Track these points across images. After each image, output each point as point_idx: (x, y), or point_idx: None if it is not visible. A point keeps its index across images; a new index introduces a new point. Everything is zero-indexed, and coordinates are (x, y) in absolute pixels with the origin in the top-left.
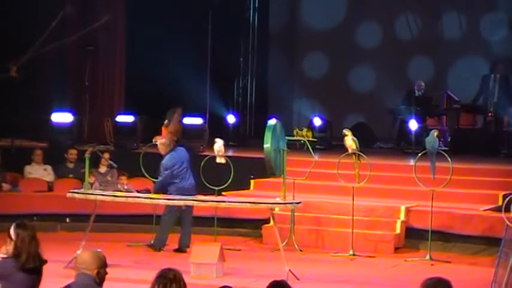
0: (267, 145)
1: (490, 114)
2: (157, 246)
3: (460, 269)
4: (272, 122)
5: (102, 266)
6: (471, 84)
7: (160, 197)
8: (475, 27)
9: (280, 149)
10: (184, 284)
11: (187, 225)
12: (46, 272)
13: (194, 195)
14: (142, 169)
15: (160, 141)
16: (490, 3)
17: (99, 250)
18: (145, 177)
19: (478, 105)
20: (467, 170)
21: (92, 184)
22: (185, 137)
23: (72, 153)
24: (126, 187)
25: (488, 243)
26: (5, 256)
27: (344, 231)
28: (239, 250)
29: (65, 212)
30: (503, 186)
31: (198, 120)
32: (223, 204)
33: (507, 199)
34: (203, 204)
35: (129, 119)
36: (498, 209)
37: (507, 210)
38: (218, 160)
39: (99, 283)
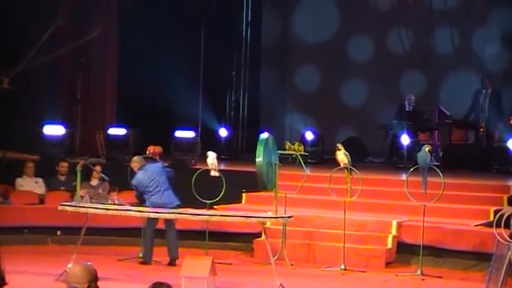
0: (259, 159)
1: (481, 129)
2: (147, 260)
3: (451, 284)
4: (264, 135)
5: (93, 280)
6: (463, 99)
7: (151, 211)
8: (468, 42)
9: (272, 163)
10: None
11: (171, 238)
12: (36, 285)
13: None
14: (130, 182)
15: (133, 159)
16: (483, 19)
17: (89, 263)
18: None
19: (469, 121)
20: (459, 185)
21: (83, 197)
22: (177, 150)
23: (63, 166)
24: (117, 202)
25: (479, 258)
26: None
27: (335, 246)
28: (230, 264)
29: (56, 224)
30: (494, 202)
31: (190, 134)
32: (214, 218)
33: (498, 214)
34: (194, 218)
35: (121, 131)
36: (489, 225)
37: (498, 225)
38: (213, 173)
39: None
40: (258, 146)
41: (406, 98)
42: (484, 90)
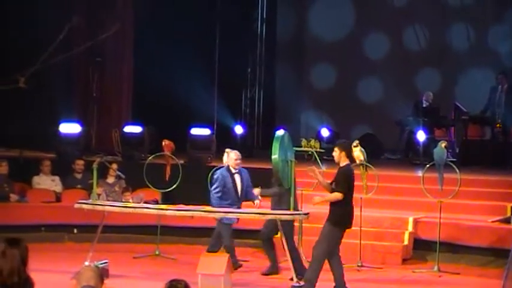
0: (274, 156)
1: (497, 125)
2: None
3: (468, 280)
4: (280, 132)
5: (103, 280)
6: (479, 95)
7: (168, 208)
8: (483, 39)
9: (288, 160)
10: None
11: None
12: (54, 282)
13: None
14: (146, 180)
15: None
16: (498, 15)
17: (106, 261)
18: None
19: (486, 117)
20: (475, 181)
21: (99, 195)
22: (193, 147)
23: (79, 164)
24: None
25: (496, 254)
26: None
27: (352, 242)
28: (247, 261)
29: (72, 222)
30: (511, 198)
31: (205, 131)
32: (231, 215)
33: None
34: (211, 215)
35: (136, 129)
36: (506, 221)
37: None
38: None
39: None
40: (273, 143)
41: (424, 94)
42: (500, 86)
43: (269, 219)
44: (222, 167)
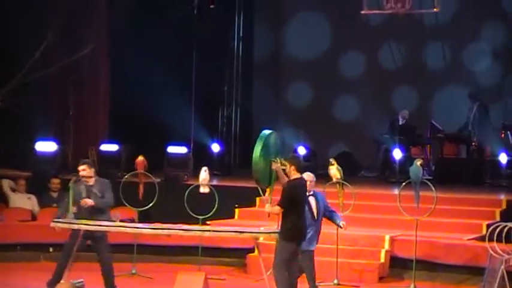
0: (255, 154)
1: (473, 143)
2: None
3: None
4: (266, 131)
5: None
6: (455, 113)
7: (145, 227)
8: (459, 57)
9: (271, 159)
10: None
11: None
12: None
13: None
14: (122, 198)
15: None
16: (474, 34)
17: (81, 280)
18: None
19: (461, 135)
20: (451, 200)
21: (75, 213)
22: (169, 165)
23: (55, 183)
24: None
25: (472, 272)
26: None
27: (328, 260)
28: (224, 279)
29: (48, 241)
30: (487, 216)
31: (182, 149)
32: (207, 234)
33: (491, 228)
34: (187, 233)
35: (113, 147)
36: (482, 239)
37: (491, 239)
38: (202, 190)
39: None
40: (257, 141)
41: (400, 112)
42: (474, 105)
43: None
44: None
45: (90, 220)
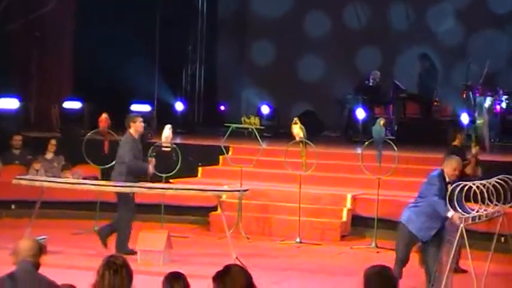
0: None
1: (435, 103)
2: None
3: None
4: None
5: (43, 253)
6: (417, 73)
7: (107, 184)
8: (422, 18)
9: None
10: (131, 271)
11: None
12: None
13: None
14: (85, 156)
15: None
16: None
17: (44, 237)
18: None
19: (423, 95)
20: (412, 159)
21: (37, 170)
22: None
23: (16, 140)
24: (75, 176)
25: None
26: None
27: (291, 219)
28: (187, 237)
29: (10, 198)
30: None
31: (146, 108)
32: (170, 191)
33: (451, 187)
34: (150, 191)
35: (76, 105)
36: None
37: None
38: (163, 148)
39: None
40: None
41: (372, 73)
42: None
43: None
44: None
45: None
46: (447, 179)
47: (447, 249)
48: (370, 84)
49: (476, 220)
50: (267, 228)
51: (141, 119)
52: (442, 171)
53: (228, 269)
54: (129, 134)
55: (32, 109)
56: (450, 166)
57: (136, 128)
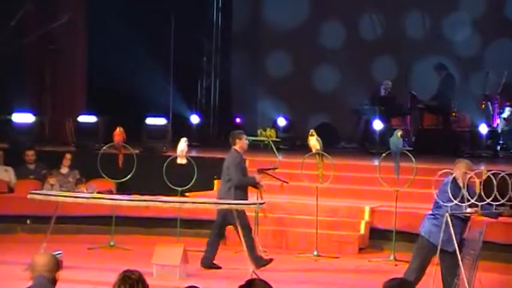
0: None
1: (453, 114)
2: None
3: None
4: None
5: (59, 268)
6: (434, 84)
7: (123, 198)
8: (439, 27)
9: None
10: (147, 286)
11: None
12: (6, 274)
13: None
14: (100, 170)
15: None
16: (453, 4)
17: (59, 252)
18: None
19: (441, 105)
20: (431, 170)
21: (52, 185)
22: (148, 137)
23: (29, 155)
24: (86, 190)
25: None
26: None
27: (308, 232)
28: (203, 252)
29: (25, 213)
30: None
31: (161, 121)
32: (186, 205)
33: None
34: (166, 205)
35: (91, 119)
36: None
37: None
38: (179, 161)
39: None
40: None
41: (383, 83)
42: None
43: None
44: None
45: None
46: (460, 183)
47: (467, 262)
48: (382, 94)
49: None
50: (284, 242)
51: (245, 137)
52: (454, 177)
53: (251, 283)
54: (234, 151)
55: (46, 123)
56: (459, 169)
57: (241, 145)
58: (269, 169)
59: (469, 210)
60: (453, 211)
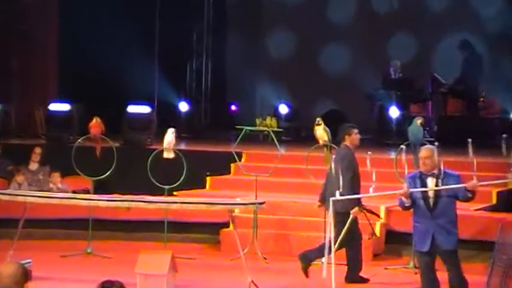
0: None
1: (481, 99)
2: None
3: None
4: None
5: (28, 279)
6: (459, 65)
7: (101, 198)
8: None
9: None
10: None
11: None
12: None
13: None
14: (74, 165)
15: None
16: None
17: (28, 261)
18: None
19: (467, 89)
20: (456, 164)
21: (20, 184)
22: (130, 128)
23: None
24: (60, 186)
25: (480, 247)
26: None
27: (314, 236)
28: (194, 259)
29: None
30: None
31: (144, 109)
32: (174, 206)
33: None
34: (151, 205)
35: (64, 107)
36: (492, 209)
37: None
38: (165, 155)
39: None
40: None
41: (391, 64)
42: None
43: None
44: None
45: None
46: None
47: (497, 268)
48: (392, 76)
49: None
50: (286, 247)
51: (356, 131)
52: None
53: None
54: (345, 147)
55: (12, 113)
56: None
57: (352, 140)
58: (371, 212)
59: None
60: None
